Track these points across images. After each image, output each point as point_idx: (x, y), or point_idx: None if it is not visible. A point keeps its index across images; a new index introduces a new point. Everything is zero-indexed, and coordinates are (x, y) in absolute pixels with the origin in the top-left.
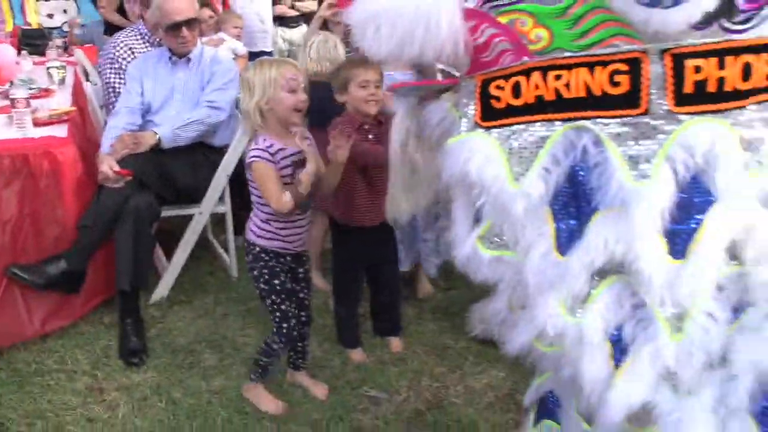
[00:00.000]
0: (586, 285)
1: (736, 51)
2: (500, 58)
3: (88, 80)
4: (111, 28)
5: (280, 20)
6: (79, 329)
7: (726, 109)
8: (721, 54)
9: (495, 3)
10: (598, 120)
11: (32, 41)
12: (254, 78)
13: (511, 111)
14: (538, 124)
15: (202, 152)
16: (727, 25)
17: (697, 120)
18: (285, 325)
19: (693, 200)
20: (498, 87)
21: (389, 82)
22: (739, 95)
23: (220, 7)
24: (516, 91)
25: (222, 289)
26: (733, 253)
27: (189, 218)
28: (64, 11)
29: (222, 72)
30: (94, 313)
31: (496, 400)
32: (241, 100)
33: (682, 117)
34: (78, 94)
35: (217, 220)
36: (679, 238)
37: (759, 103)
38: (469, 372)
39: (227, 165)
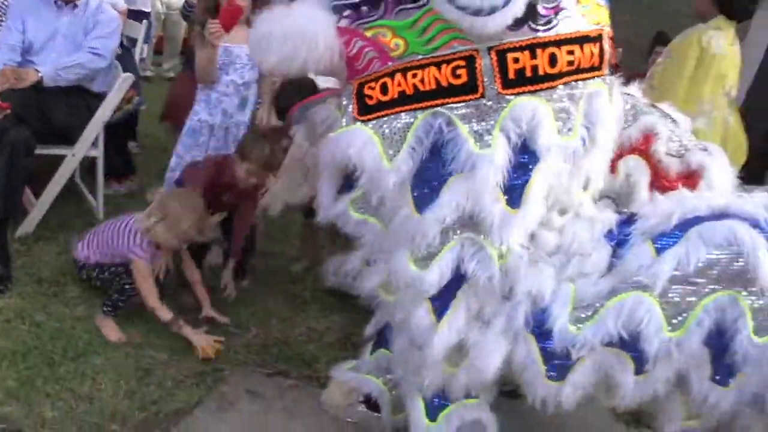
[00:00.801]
0: (437, 239)
1: (543, 45)
2: (370, 65)
3: None
4: None
5: None
6: None
7: (541, 89)
8: (532, 47)
9: (361, 21)
10: (448, 105)
11: None
12: (172, 205)
13: (381, 106)
14: (403, 114)
15: (81, 96)
16: (534, 26)
17: (521, 99)
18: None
19: (520, 161)
20: (370, 87)
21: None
22: (549, 78)
23: None
24: (384, 89)
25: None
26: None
27: (58, 161)
28: None
29: (106, 21)
30: None
31: (335, 341)
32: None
33: (509, 97)
34: None
35: (86, 165)
36: (515, 192)
37: (565, 84)
38: (312, 316)
39: (104, 111)
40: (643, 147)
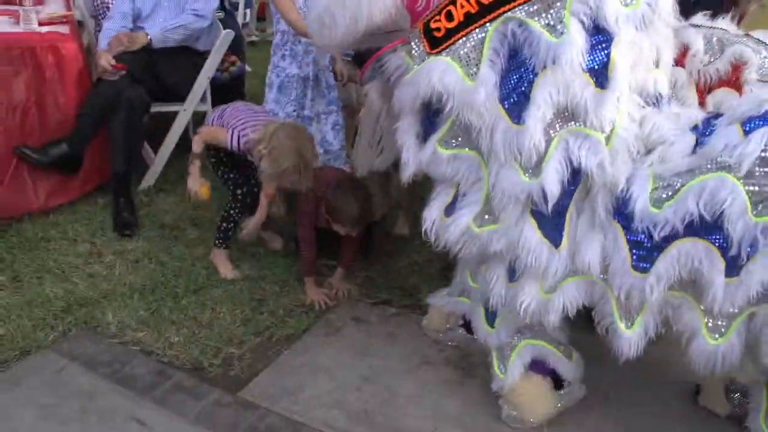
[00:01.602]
0: (542, 141)
1: None
2: (429, 2)
3: None
4: None
5: None
6: (77, 208)
7: None
8: None
9: None
10: (515, 8)
11: None
12: (280, 138)
13: (450, 33)
14: (475, 31)
15: (187, 55)
16: None
17: None
18: (239, 191)
19: (597, 40)
20: (435, 21)
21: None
22: None
23: None
24: (449, 16)
25: None
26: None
27: (172, 118)
28: None
29: None
30: (90, 195)
31: (436, 272)
32: (257, 138)
33: None
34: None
35: (197, 120)
36: (599, 73)
37: None
38: (414, 250)
39: (209, 68)
40: (732, 78)
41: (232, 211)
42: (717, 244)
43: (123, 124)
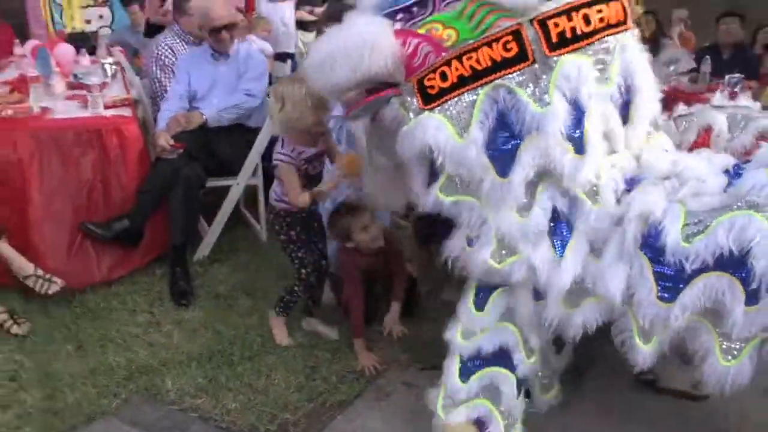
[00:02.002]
0: (526, 195)
1: (576, 8)
2: (426, 59)
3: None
4: (150, 29)
5: (299, 24)
6: (137, 278)
7: (581, 47)
8: (568, 12)
9: (413, 20)
10: (505, 77)
11: (78, 43)
12: (286, 93)
13: (443, 92)
14: (466, 93)
15: (240, 132)
16: None
17: (567, 57)
18: (303, 270)
19: (576, 113)
20: (429, 79)
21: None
22: (586, 36)
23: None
24: (443, 77)
25: (253, 251)
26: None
27: (225, 192)
28: (100, 16)
29: (255, 65)
30: (148, 266)
31: None
32: (270, 107)
33: (557, 58)
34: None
35: (247, 194)
36: (577, 140)
37: (599, 39)
38: None
39: (260, 144)
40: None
41: (296, 288)
42: (739, 277)
43: (181, 199)
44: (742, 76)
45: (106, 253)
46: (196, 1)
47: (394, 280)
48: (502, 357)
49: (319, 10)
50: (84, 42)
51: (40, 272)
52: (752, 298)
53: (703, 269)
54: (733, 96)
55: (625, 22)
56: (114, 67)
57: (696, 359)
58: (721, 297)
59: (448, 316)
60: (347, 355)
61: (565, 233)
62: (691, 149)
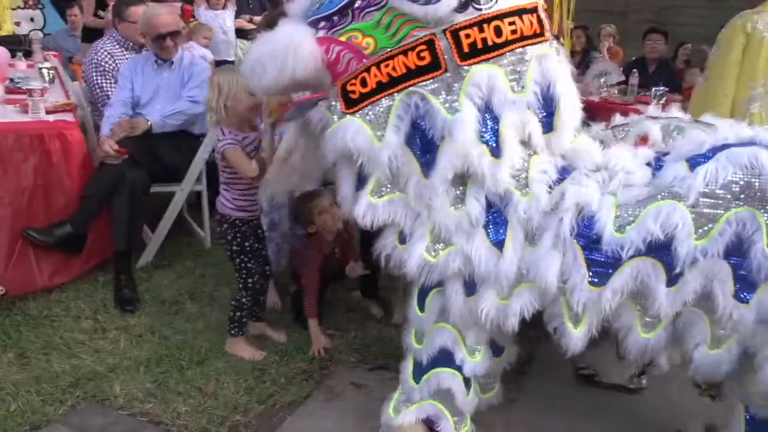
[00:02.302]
0: (450, 192)
1: (488, 20)
2: (349, 65)
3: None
4: (88, 33)
5: (239, 32)
6: (79, 285)
7: (492, 57)
8: (479, 24)
9: (335, 29)
10: (419, 84)
11: (9, 47)
12: (222, 80)
13: (363, 97)
14: (383, 99)
15: (185, 139)
16: (477, 5)
17: (477, 67)
18: (250, 280)
19: (490, 120)
20: (351, 84)
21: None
22: (498, 46)
23: None
24: (363, 82)
25: (197, 256)
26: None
27: (166, 200)
28: (31, 19)
29: (198, 72)
30: (90, 272)
31: None
32: (208, 98)
33: (468, 68)
34: (66, 91)
35: (190, 202)
36: (493, 144)
37: (512, 50)
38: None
39: (204, 150)
40: None
41: (244, 299)
42: (662, 261)
43: (126, 204)
44: (667, 89)
45: (47, 259)
46: (137, 8)
47: (346, 254)
48: (444, 357)
49: (258, 18)
50: (15, 45)
51: None
52: (673, 279)
53: (633, 255)
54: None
55: (541, 34)
56: (51, 72)
57: (620, 337)
58: (646, 279)
59: (392, 316)
60: (295, 357)
61: (499, 224)
62: None
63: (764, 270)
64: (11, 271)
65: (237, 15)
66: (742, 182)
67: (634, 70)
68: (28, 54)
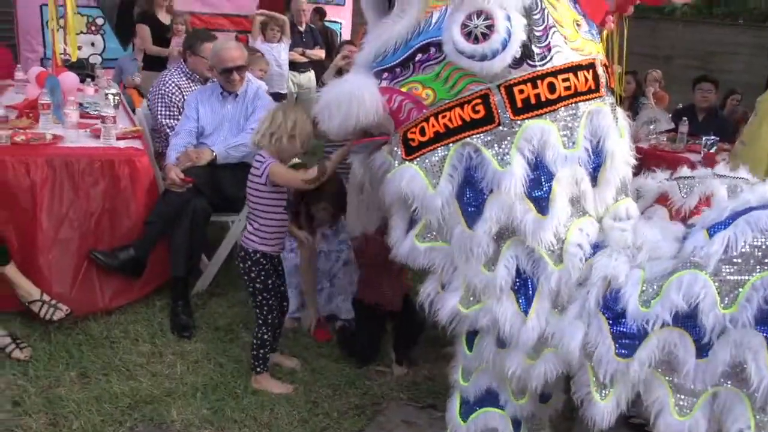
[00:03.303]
0: (490, 247)
1: (541, 77)
2: (410, 114)
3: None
4: (149, 60)
5: (291, 65)
6: (137, 309)
7: (545, 112)
8: (533, 80)
9: (396, 80)
10: (473, 136)
11: (75, 71)
12: (298, 117)
13: (422, 145)
14: (440, 148)
15: (245, 170)
16: (531, 62)
17: (530, 122)
18: (270, 316)
19: (542, 175)
20: (411, 132)
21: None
22: (551, 102)
23: None
24: (422, 131)
25: None
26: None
27: (222, 228)
28: (92, 44)
29: (263, 105)
30: (148, 297)
31: None
32: (270, 122)
33: (520, 122)
34: (132, 118)
35: None
36: (542, 201)
37: (566, 106)
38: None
39: None
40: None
41: (266, 336)
42: (690, 331)
43: (186, 232)
44: (717, 138)
45: (109, 281)
46: (210, 44)
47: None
48: (490, 397)
49: (310, 52)
50: (80, 70)
51: (46, 298)
52: (703, 350)
53: (660, 326)
54: (709, 157)
55: (596, 90)
56: (116, 98)
57: (651, 419)
58: (674, 350)
59: (444, 358)
60: (347, 392)
61: (529, 291)
62: (691, 215)
63: None
64: (76, 291)
65: (290, 48)
66: (764, 246)
67: (684, 118)
68: (90, 77)
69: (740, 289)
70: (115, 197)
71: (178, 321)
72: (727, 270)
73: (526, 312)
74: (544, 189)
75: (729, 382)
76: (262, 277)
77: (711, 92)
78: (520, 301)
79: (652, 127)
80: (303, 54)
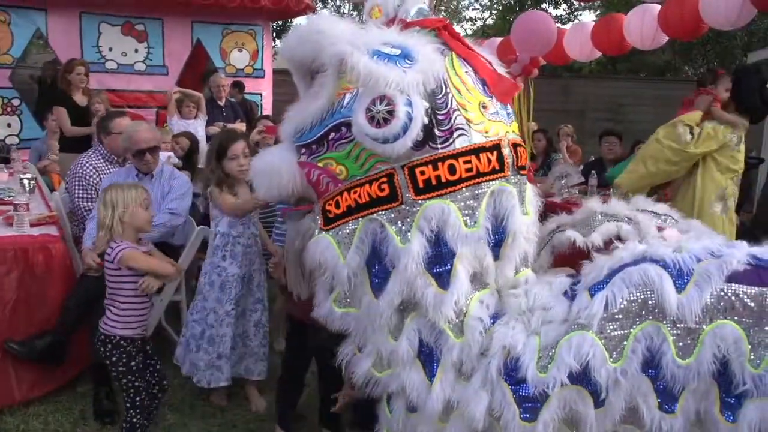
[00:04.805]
0: (393, 318)
1: (442, 159)
2: (328, 187)
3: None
4: (66, 142)
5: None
6: (57, 397)
7: (446, 193)
8: (434, 162)
9: (313, 156)
10: (379, 212)
11: None
12: (116, 197)
13: (336, 217)
14: (350, 222)
15: (164, 249)
16: (433, 145)
17: (430, 202)
18: (138, 398)
19: (444, 251)
20: (329, 204)
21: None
22: (452, 183)
23: None
24: (337, 204)
25: (174, 366)
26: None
27: None
28: (8, 125)
29: (179, 185)
30: (68, 384)
31: None
32: (100, 215)
33: (422, 202)
34: (47, 202)
35: (171, 309)
36: (443, 276)
37: (467, 186)
38: None
39: (184, 260)
40: None
41: (135, 419)
42: (587, 388)
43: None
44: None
45: (26, 371)
46: (121, 120)
47: None
48: None
49: (232, 126)
50: None
51: None
52: (598, 400)
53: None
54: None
55: (501, 170)
56: (32, 182)
57: None
58: (574, 406)
59: None
60: None
61: (434, 360)
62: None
63: (678, 379)
64: None
65: (209, 123)
66: (639, 300)
67: (593, 172)
68: (5, 161)
69: (625, 343)
70: (30, 285)
71: (100, 407)
72: (611, 327)
73: (432, 380)
74: (446, 265)
75: (627, 425)
76: (124, 360)
77: (616, 144)
78: (427, 369)
79: (563, 182)
80: (223, 128)
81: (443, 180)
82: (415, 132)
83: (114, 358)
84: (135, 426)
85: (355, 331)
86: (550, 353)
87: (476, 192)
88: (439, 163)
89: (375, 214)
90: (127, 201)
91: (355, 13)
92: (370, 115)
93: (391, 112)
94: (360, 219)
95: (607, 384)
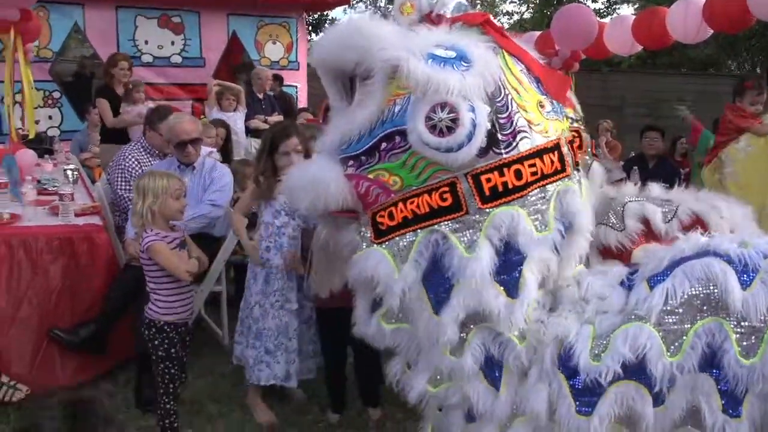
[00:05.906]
0: (456, 333)
1: (508, 164)
2: (378, 198)
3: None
4: (107, 133)
5: (254, 132)
6: (100, 385)
7: (514, 199)
8: (499, 168)
9: (362, 168)
10: (441, 223)
11: (32, 146)
12: (147, 185)
13: (390, 229)
14: (408, 234)
15: (205, 241)
16: (497, 150)
17: (499, 209)
18: (172, 386)
19: (512, 259)
20: (380, 216)
21: None
22: (519, 189)
23: None
24: (390, 216)
25: (216, 355)
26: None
27: None
28: (50, 117)
29: (219, 177)
30: (111, 372)
31: None
32: (133, 202)
33: (488, 210)
34: (90, 193)
35: (211, 299)
36: (511, 284)
37: (534, 189)
38: None
39: (224, 252)
40: None
41: (169, 405)
42: (643, 382)
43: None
44: (667, 185)
45: (70, 358)
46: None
47: None
48: None
49: (272, 118)
50: (37, 144)
51: (5, 379)
52: (657, 399)
53: (614, 380)
54: None
55: (563, 170)
56: (75, 173)
57: None
58: (631, 403)
59: None
60: None
61: (494, 367)
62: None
63: (741, 379)
64: (36, 371)
65: (248, 117)
66: (701, 294)
67: (635, 167)
68: (48, 152)
69: (684, 338)
70: (74, 274)
71: (142, 396)
72: (670, 320)
73: (494, 384)
74: (513, 273)
75: (687, 425)
76: (165, 345)
77: (657, 140)
78: (488, 376)
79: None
80: (265, 121)
81: (510, 186)
82: (480, 139)
83: (156, 342)
84: (170, 412)
85: (405, 348)
86: (604, 342)
87: (543, 195)
88: (505, 169)
89: (436, 225)
90: (157, 191)
91: (391, 6)
92: (431, 123)
93: (454, 120)
94: (419, 230)
95: (662, 378)
